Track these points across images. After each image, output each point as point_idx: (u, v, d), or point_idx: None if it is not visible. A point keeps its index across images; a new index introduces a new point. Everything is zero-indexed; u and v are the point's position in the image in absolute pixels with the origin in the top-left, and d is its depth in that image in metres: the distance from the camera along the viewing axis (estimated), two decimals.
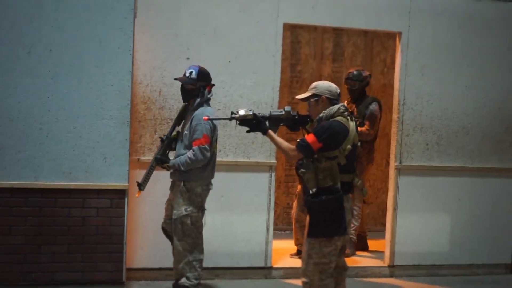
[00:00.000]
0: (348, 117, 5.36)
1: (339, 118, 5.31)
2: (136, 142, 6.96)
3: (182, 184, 6.25)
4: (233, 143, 7.19)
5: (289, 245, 8.67)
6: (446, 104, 7.90)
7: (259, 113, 5.50)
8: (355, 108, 8.33)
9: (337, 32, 9.81)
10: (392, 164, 7.84)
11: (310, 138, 5.24)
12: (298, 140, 5.36)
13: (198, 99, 6.28)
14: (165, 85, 7.02)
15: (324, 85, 5.44)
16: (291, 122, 5.65)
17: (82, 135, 6.38)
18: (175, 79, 6.36)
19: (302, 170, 5.33)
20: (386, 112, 9.48)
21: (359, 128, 8.09)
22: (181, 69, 6.91)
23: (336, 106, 5.37)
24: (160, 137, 6.45)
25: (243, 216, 7.30)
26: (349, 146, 5.29)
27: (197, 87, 6.26)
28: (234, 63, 7.21)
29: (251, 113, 5.40)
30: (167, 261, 7.07)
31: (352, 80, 8.32)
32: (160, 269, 7.13)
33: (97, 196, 6.44)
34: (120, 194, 6.49)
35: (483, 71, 7.98)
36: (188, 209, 6.24)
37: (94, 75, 6.39)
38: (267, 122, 5.50)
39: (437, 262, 8.05)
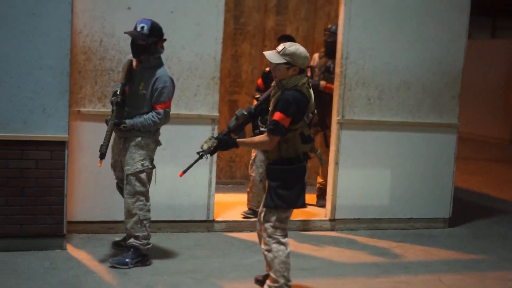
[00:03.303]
0: (308, 86, 5.34)
1: (300, 88, 5.27)
2: (76, 93, 6.82)
3: (139, 139, 6.13)
4: (175, 96, 7.05)
5: (231, 198, 8.72)
6: (388, 59, 7.94)
7: (219, 134, 5.57)
8: (331, 64, 8.33)
9: None
10: (335, 118, 7.86)
11: (277, 116, 5.18)
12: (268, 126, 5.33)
13: (151, 57, 6.08)
14: (106, 35, 6.87)
15: (301, 55, 5.26)
16: (251, 119, 5.59)
17: (19, 85, 6.19)
18: (125, 32, 6.11)
19: None
20: None
21: (331, 85, 8.13)
22: (122, 19, 6.79)
23: (302, 79, 5.28)
24: (112, 101, 6.15)
25: None
26: (310, 115, 5.32)
27: (148, 43, 6.04)
28: (176, 14, 7.08)
29: (213, 140, 5.44)
30: (109, 214, 7.05)
31: (330, 32, 8.39)
32: (101, 222, 7.07)
33: (36, 148, 6.29)
34: (60, 146, 6.35)
35: (424, 26, 8.02)
36: (145, 164, 6.17)
37: (31, 23, 6.17)
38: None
39: (377, 216, 8.17)
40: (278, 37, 8.24)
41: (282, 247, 5.39)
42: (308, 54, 5.35)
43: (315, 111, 5.44)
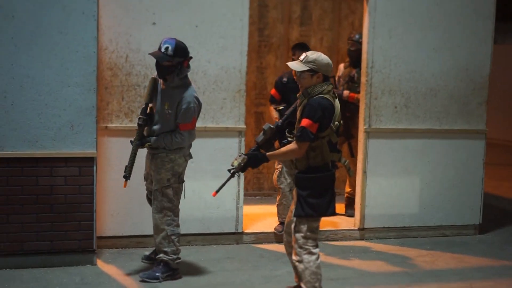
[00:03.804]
0: (333, 95, 5.35)
1: (326, 95, 5.27)
2: (103, 109, 6.87)
3: (165, 155, 6.14)
4: (202, 109, 7.10)
5: (260, 210, 8.71)
6: (414, 67, 7.91)
7: (249, 150, 5.57)
8: (355, 74, 8.33)
9: None
10: (361, 127, 7.84)
11: (304, 122, 5.18)
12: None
13: (176, 77, 6.04)
14: (132, 51, 6.92)
15: (323, 62, 5.28)
16: (279, 133, 5.59)
17: (48, 102, 6.26)
18: (150, 54, 6.11)
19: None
20: None
21: (356, 95, 8.11)
22: (148, 35, 6.85)
23: (327, 87, 5.28)
24: (138, 121, 6.17)
25: (214, 182, 7.20)
26: (336, 123, 5.30)
27: (173, 64, 6.01)
28: (200, 28, 7.12)
29: (243, 156, 5.42)
30: (138, 228, 7.07)
31: (353, 41, 8.42)
32: (130, 236, 7.11)
33: (65, 164, 6.35)
34: (89, 162, 6.41)
35: (449, 33, 7.99)
36: (171, 180, 6.16)
37: (58, 41, 6.25)
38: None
39: (406, 224, 8.12)
40: (292, 46, 8.17)
41: (313, 257, 5.37)
42: (330, 61, 5.36)
43: (341, 121, 5.44)
